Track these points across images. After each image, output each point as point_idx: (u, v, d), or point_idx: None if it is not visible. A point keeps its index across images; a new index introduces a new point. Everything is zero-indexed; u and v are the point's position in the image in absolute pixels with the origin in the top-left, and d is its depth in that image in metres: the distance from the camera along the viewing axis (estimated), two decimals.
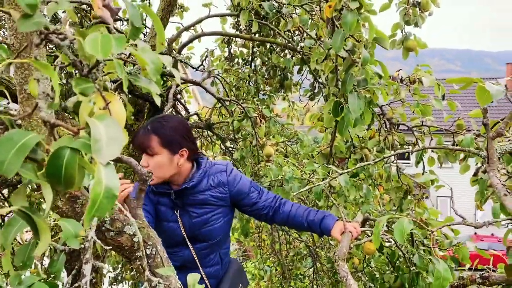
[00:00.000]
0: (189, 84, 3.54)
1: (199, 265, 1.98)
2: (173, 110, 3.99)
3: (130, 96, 2.73)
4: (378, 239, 1.26)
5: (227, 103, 2.99)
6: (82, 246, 1.14)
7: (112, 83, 3.84)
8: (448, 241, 2.62)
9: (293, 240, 4.55)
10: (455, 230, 2.66)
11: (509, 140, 1.26)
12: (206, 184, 1.95)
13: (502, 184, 1.07)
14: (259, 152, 2.93)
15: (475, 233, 19.20)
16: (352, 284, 2.01)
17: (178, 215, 1.94)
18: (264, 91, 4.10)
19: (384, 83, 1.92)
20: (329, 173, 2.28)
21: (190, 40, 3.37)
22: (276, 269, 4.54)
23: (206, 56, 3.77)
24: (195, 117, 3.80)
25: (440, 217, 2.74)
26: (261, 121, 2.90)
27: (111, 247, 1.45)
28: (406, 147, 2.34)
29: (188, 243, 1.96)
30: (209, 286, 2.00)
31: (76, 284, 1.10)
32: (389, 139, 2.34)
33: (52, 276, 1.38)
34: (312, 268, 4.33)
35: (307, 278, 4.49)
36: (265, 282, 4.58)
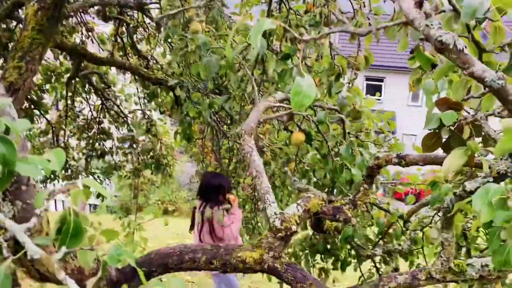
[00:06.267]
0: None
1: None
2: None
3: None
4: None
5: None
6: None
7: None
8: (383, 135, 2.42)
9: (237, 149, 4.33)
10: (391, 123, 2.44)
11: None
12: None
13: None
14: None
15: None
16: (256, 160, 1.79)
17: None
18: None
19: None
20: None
21: None
22: None
23: None
24: None
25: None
26: None
27: None
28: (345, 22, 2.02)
29: None
30: None
31: None
32: (325, 11, 2.01)
33: None
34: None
35: (250, 187, 4.32)
36: None
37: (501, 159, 0.96)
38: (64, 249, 0.84)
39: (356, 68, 2.04)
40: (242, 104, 2.79)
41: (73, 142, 4.65)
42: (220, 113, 3.95)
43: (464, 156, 1.22)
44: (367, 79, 21.21)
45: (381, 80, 21.56)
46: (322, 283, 1.72)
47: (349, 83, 2.12)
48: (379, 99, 21.02)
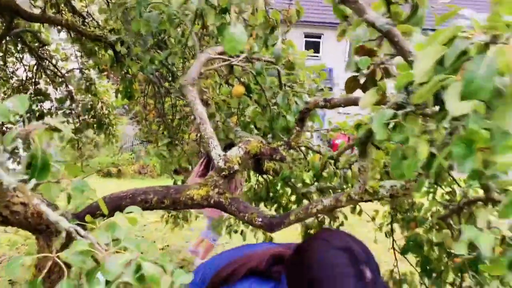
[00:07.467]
0: None
1: None
2: None
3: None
4: None
5: None
6: None
7: None
8: (315, 85, 2.63)
9: (181, 106, 4.43)
10: (322, 73, 2.66)
11: None
12: None
13: None
14: None
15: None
16: (199, 109, 1.94)
17: None
18: None
19: None
20: None
21: None
22: (163, 133, 4.45)
23: None
24: None
25: None
26: None
27: None
28: None
29: None
30: None
31: None
32: None
33: None
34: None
35: (195, 142, 4.46)
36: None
37: (399, 92, 1.18)
38: (34, 180, 0.96)
39: (288, 21, 2.20)
40: (184, 60, 2.87)
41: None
42: (161, 71, 4.00)
43: (376, 95, 1.45)
44: (306, 35, 21.60)
45: (319, 37, 22.03)
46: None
47: (283, 35, 2.29)
48: (317, 56, 21.56)
